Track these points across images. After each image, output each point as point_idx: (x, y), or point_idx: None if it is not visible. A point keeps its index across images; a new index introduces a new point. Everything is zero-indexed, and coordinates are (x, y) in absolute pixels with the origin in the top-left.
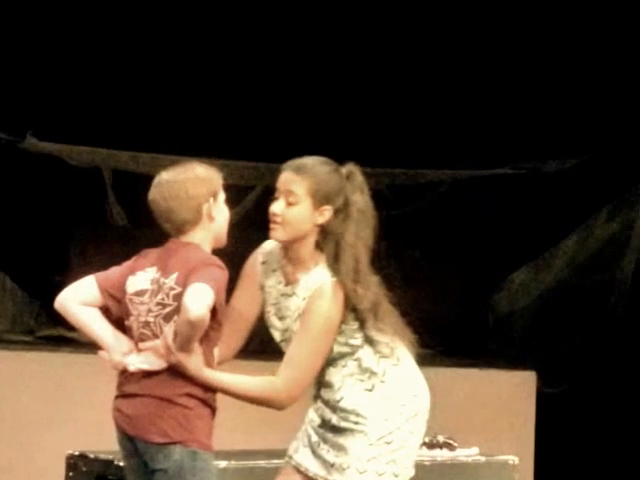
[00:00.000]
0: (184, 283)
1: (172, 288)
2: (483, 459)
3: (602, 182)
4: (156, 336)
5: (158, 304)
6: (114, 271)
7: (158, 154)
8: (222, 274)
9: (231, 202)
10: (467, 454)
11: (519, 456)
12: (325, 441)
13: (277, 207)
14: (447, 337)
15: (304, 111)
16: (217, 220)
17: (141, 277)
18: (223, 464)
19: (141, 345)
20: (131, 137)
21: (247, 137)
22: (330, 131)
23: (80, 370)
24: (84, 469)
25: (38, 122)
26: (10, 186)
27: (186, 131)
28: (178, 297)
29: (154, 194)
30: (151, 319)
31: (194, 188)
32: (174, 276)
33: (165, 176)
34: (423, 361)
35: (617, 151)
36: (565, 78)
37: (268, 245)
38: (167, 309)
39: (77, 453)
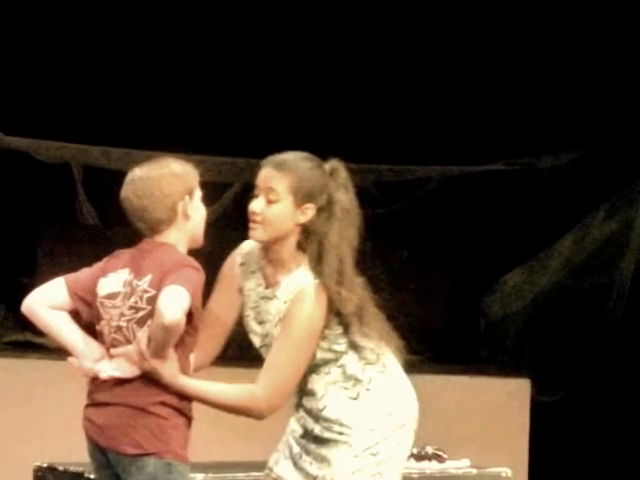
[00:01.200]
0: (158, 286)
1: (146, 291)
2: (474, 471)
3: (600, 178)
4: (129, 341)
5: (131, 308)
6: (84, 273)
7: (131, 149)
8: (198, 276)
9: (208, 200)
10: (457, 466)
11: (512, 468)
12: (307, 452)
13: (256, 205)
14: (436, 343)
15: (285, 104)
16: (193, 219)
17: (113, 279)
18: (200, 477)
19: (113, 351)
20: (102, 131)
21: (225, 131)
22: (313, 125)
23: (49, 377)
24: None
25: (4, 116)
26: None
27: (160, 125)
28: (152, 300)
29: (127, 192)
30: (123, 324)
31: (169, 185)
32: (148, 278)
33: (138, 172)
34: (411, 368)
35: (616, 145)
36: (560, 68)
37: (247, 245)
38: (140, 313)
39: (45, 465)
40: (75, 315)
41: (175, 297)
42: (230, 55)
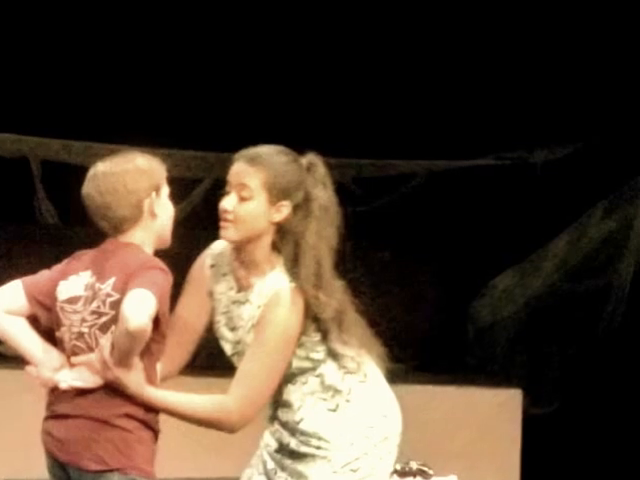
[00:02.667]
0: (122, 289)
1: (109, 295)
2: None
3: (597, 174)
4: (91, 349)
5: (93, 313)
6: (43, 275)
7: (93, 142)
8: (165, 279)
9: (176, 197)
10: None
11: None
12: (283, 468)
13: (228, 203)
14: (421, 350)
15: (259, 94)
16: (160, 217)
17: (74, 282)
18: None
19: (74, 359)
20: (62, 124)
21: (194, 123)
22: (289, 117)
23: (5, 387)
24: None
25: None
26: None
27: (125, 116)
28: (116, 305)
29: (89, 188)
30: (85, 330)
31: (134, 181)
32: (111, 281)
33: (101, 168)
34: (394, 377)
35: (614, 139)
36: (554, 58)
37: (218, 246)
38: (103, 318)
39: None
40: (33, 321)
41: (141, 301)
42: (200, 41)
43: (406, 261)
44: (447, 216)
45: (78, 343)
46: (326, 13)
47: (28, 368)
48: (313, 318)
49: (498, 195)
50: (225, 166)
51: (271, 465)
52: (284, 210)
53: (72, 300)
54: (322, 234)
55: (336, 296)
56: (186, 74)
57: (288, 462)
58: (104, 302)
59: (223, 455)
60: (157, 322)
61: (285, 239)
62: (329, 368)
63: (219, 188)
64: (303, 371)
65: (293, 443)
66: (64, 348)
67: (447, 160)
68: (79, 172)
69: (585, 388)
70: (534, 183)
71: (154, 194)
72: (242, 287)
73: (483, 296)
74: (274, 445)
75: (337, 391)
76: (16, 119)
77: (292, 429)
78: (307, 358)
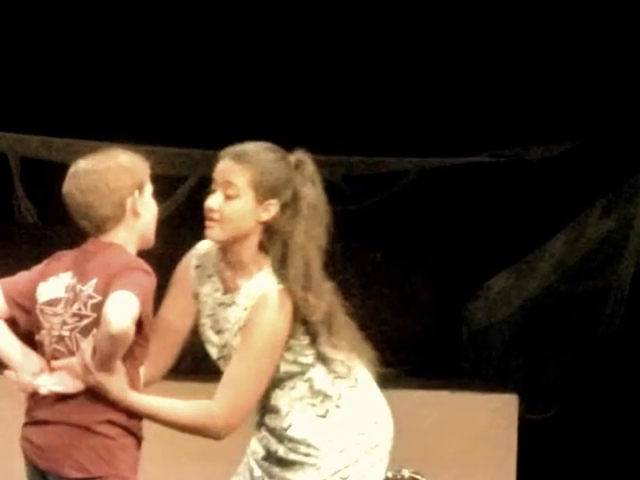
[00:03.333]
0: (104, 290)
1: (90, 297)
2: None
3: (595, 172)
4: (72, 353)
5: (74, 315)
6: (22, 277)
7: (74, 139)
8: (149, 280)
9: (160, 196)
10: None
11: None
12: (271, 476)
13: (214, 201)
14: (413, 354)
15: (246, 89)
16: (143, 217)
17: (54, 284)
18: None
19: (54, 363)
20: (42, 120)
21: (179, 119)
22: (276, 113)
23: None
24: None
25: None
26: None
27: (107, 113)
28: (97, 307)
29: (69, 186)
30: (66, 333)
31: (116, 179)
32: (93, 282)
33: (83, 165)
34: (385, 382)
35: (613, 135)
36: (550, 51)
37: (203, 246)
38: (85, 321)
39: None
40: (12, 323)
41: (123, 304)
42: (185, 36)
43: (398, 262)
44: (441, 215)
45: (58, 347)
46: (317, 10)
47: (7, 372)
48: (302, 321)
49: (493, 194)
50: (211, 164)
51: (258, 473)
52: (272, 209)
53: (52, 302)
54: (311, 233)
55: (325, 298)
56: (170, 69)
57: (276, 470)
58: (85, 304)
59: (209, 463)
60: (140, 325)
61: (273, 239)
62: (318, 372)
63: (204, 186)
64: (291, 375)
65: (281, 450)
66: (44, 352)
67: (440, 157)
68: (59, 170)
69: (583, 393)
70: (530, 181)
71: (137, 192)
72: (228, 289)
73: (477, 298)
74: (261, 452)
75: (327, 396)
76: None
77: (280, 436)
78: (295, 362)
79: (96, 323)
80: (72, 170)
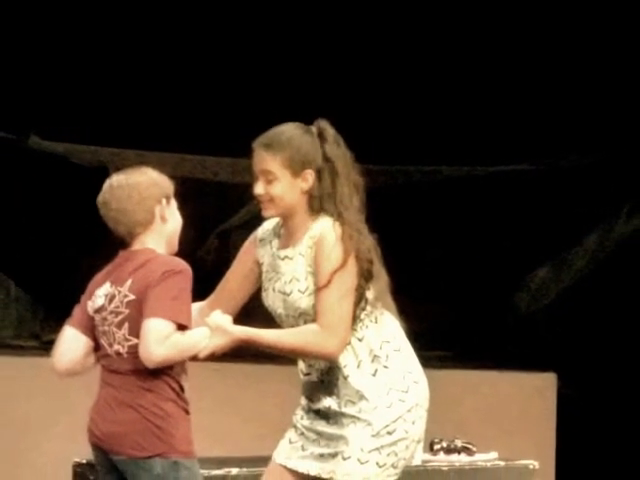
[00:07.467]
0: (138, 290)
1: (125, 295)
2: (502, 464)
3: (623, 178)
4: (111, 345)
5: (112, 312)
6: (78, 310)
7: (166, 152)
8: (183, 278)
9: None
10: (486, 459)
11: (539, 460)
12: (319, 434)
13: (259, 188)
14: (464, 338)
15: (253, 96)
16: (170, 223)
17: (97, 295)
18: (234, 471)
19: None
20: (137, 134)
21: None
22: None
23: (88, 375)
24: (91, 478)
25: (41, 121)
26: (16, 188)
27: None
28: (130, 305)
29: (105, 196)
30: (106, 328)
31: (147, 189)
32: (128, 283)
33: (116, 179)
34: (440, 364)
35: (638, 146)
36: (585, 65)
37: (267, 224)
38: (120, 317)
39: (84, 461)
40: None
41: (155, 336)
42: (181, 41)
43: (456, 260)
44: (492, 218)
45: (102, 341)
46: (326, 14)
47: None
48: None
49: (536, 198)
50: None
51: (308, 427)
52: (309, 178)
53: (98, 310)
54: (352, 183)
55: (369, 242)
56: (166, 77)
57: (325, 426)
58: (122, 302)
59: (259, 426)
60: (184, 327)
61: (321, 199)
62: (370, 333)
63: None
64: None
65: (335, 404)
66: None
67: (487, 166)
68: None
69: (614, 372)
70: (566, 187)
71: (164, 201)
72: (288, 245)
73: (522, 288)
74: (313, 407)
75: (376, 357)
76: (94, 131)
77: (338, 387)
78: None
79: (128, 318)
80: (107, 184)
